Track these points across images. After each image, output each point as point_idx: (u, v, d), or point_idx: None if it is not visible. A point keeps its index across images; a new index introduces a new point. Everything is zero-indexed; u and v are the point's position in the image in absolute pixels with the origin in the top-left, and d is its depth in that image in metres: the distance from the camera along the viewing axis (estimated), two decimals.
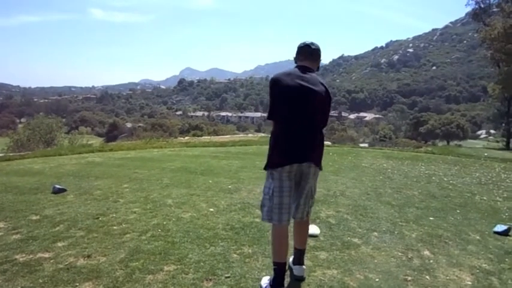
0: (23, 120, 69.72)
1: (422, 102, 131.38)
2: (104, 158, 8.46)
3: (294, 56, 2.69)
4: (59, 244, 3.17)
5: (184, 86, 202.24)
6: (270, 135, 2.63)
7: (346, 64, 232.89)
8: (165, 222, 3.76)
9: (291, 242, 2.74)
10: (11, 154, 11.40)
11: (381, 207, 4.68)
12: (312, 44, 2.64)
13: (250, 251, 3.12)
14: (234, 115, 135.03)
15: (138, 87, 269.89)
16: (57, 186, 5.01)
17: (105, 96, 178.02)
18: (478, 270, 2.97)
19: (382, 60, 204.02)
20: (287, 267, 2.64)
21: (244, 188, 5.38)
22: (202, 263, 2.84)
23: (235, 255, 3.01)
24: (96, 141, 33.19)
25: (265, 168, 2.58)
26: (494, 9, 28.75)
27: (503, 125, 33.31)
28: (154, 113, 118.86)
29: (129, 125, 72.69)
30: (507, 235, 3.85)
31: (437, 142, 45.81)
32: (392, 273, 2.84)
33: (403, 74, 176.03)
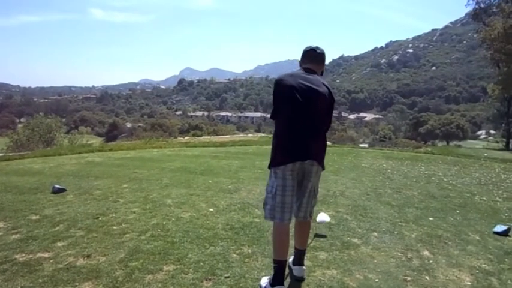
0: (22, 120, 69.68)
1: (422, 102, 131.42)
2: (103, 158, 8.46)
3: (299, 59, 2.74)
4: (59, 244, 3.17)
5: (184, 86, 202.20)
6: (271, 135, 2.65)
7: (346, 64, 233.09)
8: (164, 222, 3.76)
9: (291, 242, 2.74)
10: (11, 154, 11.39)
11: (380, 208, 4.68)
12: (317, 48, 2.69)
13: (249, 251, 3.12)
14: (234, 115, 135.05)
15: (138, 87, 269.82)
16: (57, 186, 5.01)
17: (105, 96, 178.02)
18: (477, 271, 2.97)
19: (382, 61, 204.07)
20: (287, 267, 2.64)
21: (244, 188, 5.39)
22: (201, 263, 2.84)
23: (234, 255, 3.01)
24: (96, 141, 33.19)
25: (269, 167, 2.61)
26: (494, 10, 28.74)
27: (503, 125, 33.36)
28: (154, 113, 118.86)
29: (128, 125, 72.70)
30: (507, 235, 3.85)
31: (437, 142, 45.83)
32: (391, 273, 2.84)
33: (403, 74, 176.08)
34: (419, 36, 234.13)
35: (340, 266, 2.90)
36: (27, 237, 3.30)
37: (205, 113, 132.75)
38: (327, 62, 2.85)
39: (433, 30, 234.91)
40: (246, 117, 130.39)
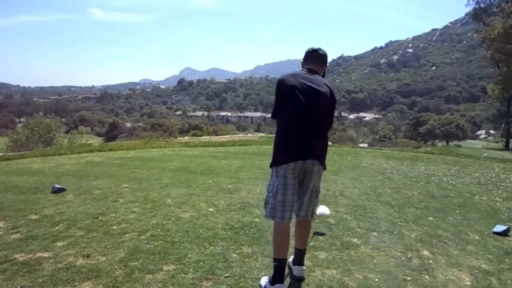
0: (22, 119, 69.68)
1: (421, 102, 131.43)
2: (103, 158, 8.46)
3: (301, 60, 2.78)
4: (59, 244, 3.17)
5: (184, 86, 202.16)
6: (271, 135, 2.66)
7: (345, 64, 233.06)
8: (164, 222, 3.76)
9: (291, 242, 2.74)
10: (11, 154, 11.39)
11: (380, 207, 4.69)
12: (320, 49, 2.73)
13: (249, 250, 3.12)
14: (234, 115, 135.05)
15: (138, 87, 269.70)
16: (57, 185, 5.01)
17: (105, 96, 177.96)
18: (477, 271, 2.97)
19: (382, 61, 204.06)
20: (287, 266, 2.64)
21: (243, 188, 5.39)
22: (201, 263, 2.84)
23: (234, 255, 3.01)
24: (96, 140, 33.20)
25: (270, 166, 2.62)
26: (494, 10, 28.75)
27: (503, 125, 33.38)
28: (154, 112, 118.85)
29: (128, 124, 72.69)
30: (506, 235, 3.85)
31: (436, 142, 45.85)
32: (391, 273, 2.84)
33: (403, 74, 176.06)
34: (419, 36, 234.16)
35: (340, 266, 2.90)
36: (27, 237, 3.30)
37: (205, 113, 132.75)
38: None
39: (432, 30, 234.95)
40: (246, 117, 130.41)
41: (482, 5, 29.64)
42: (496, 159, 11.94)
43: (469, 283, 2.76)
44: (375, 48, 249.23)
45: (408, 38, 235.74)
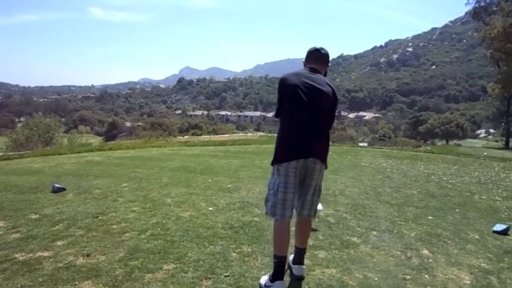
0: (22, 119, 69.65)
1: (421, 101, 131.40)
2: (103, 157, 8.46)
3: (303, 59, 2.80)
4: (59, 243, 3.17)
5: (183, 85, 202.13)
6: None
7: (345, 63, 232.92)
8: (164, 221, 3.76)
9: (292, 241, 2.75)
10: (10, 153, 11.40)
11: (380, 207, 4.69)
12: (322, 49, 2.75)
13: (249, 249, 3.12)
14: (234, 114, 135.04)
15: (138, 86, 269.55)
16: (57, 185, 5.01)
17: (105, 95, 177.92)
18: (477, 270, 2.97)
19: (382, 60, 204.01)
20: (286, 265, 2.65)
21: (243, 187, 5.39)
22: (201, 262, 2.84)
23: (234, 254, 3.01)
24: (96, 140, 33.22)
25: (272, 164, 2.63)
26: (494, 8, 28.73)
27: (503, 124, 33.36)
28: (154, 112, 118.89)
29: (128, 124, 72.71)
30: (506, 234, 3.86)
31: (436, 141, 45.86)
32: (391, 272, 2.85)
33: (403, 73, 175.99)
34: (419, 35, 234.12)
35: (340, 265, 2.91)
36: (27, 236, 3.30)
37: (205, 112, 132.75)
38: None
39: (432, 29, 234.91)
40: (246, 116, 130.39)
41: (482, 4, 29.62)
42: (495, 158, 11.94)
43: (468, 282, 2.76)
44: (375, 47, 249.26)
45: (408, 37, 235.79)
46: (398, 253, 3.22)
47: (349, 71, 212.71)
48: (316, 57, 2.74)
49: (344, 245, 3.32)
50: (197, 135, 31.42)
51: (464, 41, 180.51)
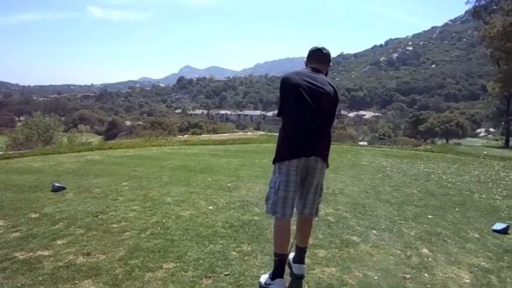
0: (22, 118, 69.66)
1: (421, 100, 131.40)
2: (103, 156, 8.46)
3: (305, 59, 2.81)
4: (59, 242, 3.17)
5: (183, 84, 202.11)
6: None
7: (345, 62, 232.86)
8: (164, 220, 3.76)
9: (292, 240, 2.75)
10: (11, 152, 11.40)
11: (379, 205, 4.69)
12: (323, 48, 2.76)
13: (249, 248, 3.12)
14: (233, 113, 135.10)
15: (137, 85, 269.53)
16: (57, 184, 5.01)
17: (104, 95, 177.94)
18: (476, 268, 2.98)
19: (382, 59, 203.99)
20: (287, 264, 2.65)
21: (243, 186, 5.39)
22: (201, 261, 2.84)
23: (234, 253, 3.02)
24: (95, 139, 33.17)
25: (273, 162, 2.63)
26: (494, 7, 28.71)
27: (503, 123, 33.32)
28: (154, 111, 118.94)
29: (128, 123, 72.74)
30: (506, 233, 3.86)
31: (436, 140, 45.85)
32: (391, 271, 2.85)
33: (403, 72, 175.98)
34: (418, 34, 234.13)
35: (340, 264, 2.91)
36: (27, 235, 3.30)
37: (205, 111, 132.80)
38: None
39: (432, 27, 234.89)
40: (246, 115, 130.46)
41: (482, 2, 29.59)
42: (495, 157, 11.94)
43: (468, 281, 2.76)
44: (375, 46, 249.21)
45: (408, 36, 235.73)
46: (398, 252, 3.22)
47: (349, 70, 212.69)
48: (318, 57, 2.74)
49: (344, 244, 3.32)
50: (197, 134, 31.45)
51: (464, 40, 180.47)
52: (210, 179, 5.81)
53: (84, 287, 2.46)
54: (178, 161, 7.71)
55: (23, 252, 2.96)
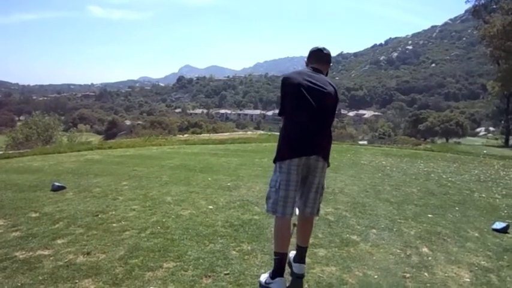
0: (21, 118, 69.63)
1: (421, 99, 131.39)
2: (103, 156, 8.46)
3: (305, 59, 2.83)
4: (59, 241, 3.17)
5: (183, 84, 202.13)
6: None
7: (345, 61, 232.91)
8: (164, 220, 3.76)
9: (292, 239, 2.75)
10: (10, 152, 11.40)
11: (379, 205, 4.69)
12: (324, 49, 2.78)
13: (249, 248, 3.12)
14: (233, 112, 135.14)
15: (137, 84, 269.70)
16: (57, 183, 5.00)
17: (104, 94, 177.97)
18: (476, 268, 2.98)
19: (381, 58, 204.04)
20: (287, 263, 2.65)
21: (243, 186, 5.39)
22: (201, 260, 2.85)
23: (234, 252, 3.02)
24: (95, 138, 33.20)
25: (274, 161, 2.63)
26: (494, 6, 28.69)
27: (503, 122, 33.32)
28: (153, 110, 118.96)
29: (128, 122, 72.77)
30: (506, 232, 3.86)
31: (436, 139, 45.88)
32: (391, 270, 2.85)
33: (402, 71, 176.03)
34: (418, 33, 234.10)
35: (339, 263, 2.91)
36: (27, 235, 3.30)
37: (205, 111, 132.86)
38: None
39: (432, 27, 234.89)
40: (245, 114, 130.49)
41: (482, 1, 29.57)
42: (495, 156, 11.95)
43: (468, 280, 2.77)
44: (375, 45, 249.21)
45: (408, 35, 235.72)
46: (398, 251, 3.22)
47: (349, 69, 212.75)
48: (318, 57, 2.76)
49: (344, 243, 3.32)
50: (197, 133, 31.46)
51: (464, 39, 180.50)
52: (210, 179, 5.81)
53: (84, 286, 2.46)
54: (178, 161, 7.71)
55: (23, 252, 2.96)
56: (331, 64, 2.86)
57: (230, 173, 6.40)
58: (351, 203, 4.67)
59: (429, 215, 4.33)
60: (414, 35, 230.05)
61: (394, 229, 3.78)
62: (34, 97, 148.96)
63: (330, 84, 2.63)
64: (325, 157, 2.62)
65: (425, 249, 3.29)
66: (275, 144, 2.66)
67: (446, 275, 2.82)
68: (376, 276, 2.73)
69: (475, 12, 30.16)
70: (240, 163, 7.52)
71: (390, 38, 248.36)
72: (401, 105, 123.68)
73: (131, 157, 8.30)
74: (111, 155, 8.73)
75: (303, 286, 2.58)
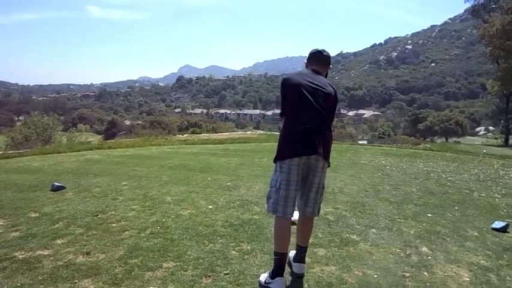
0: (21, 118, 69.60)
1: (421, 99, 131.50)
2: (102, 156, 8.46)
3: (305, 60, 2.86)
4: (58, 241, 3.17)
5: (182, 83, 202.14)
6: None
7: (344, 61, 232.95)
8: (164, 220, 3.76)
9: (293, 239, 2.75)
10: (10, 152, 11.39)
11: (379, 204, 4.69)
12: (324, 51, 2.81)
13: (249, 247, 3.12)
14: (233, 112, 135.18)
15: (137, 84, 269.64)
16: (56, 183, 5.00)
17: (104, 94, 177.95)
18: (476, 267, 2.98)
19: (381, 57, 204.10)
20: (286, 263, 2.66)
21: (243, 185, 5.39)
22: (201, 260, 2.85)
23: (234, 252, 3.02)
24: (95, 138, 33.18)
25: (274, 161, 2.64)
26: (493, 6, 28.70)
27: (502, 121, 33.31)
28: (153, 110, 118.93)
29: (127, 122, 72.73)
30: (505, 232, 3.87)
31: (435, 139, 45.87)
32: (390, 269, 2.85)
33: (402, 71, 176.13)
34: (418, 32, 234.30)
35: (339, 263, 2.91)
36: (26, 235, 3.30)
37: (204, 111, 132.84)
38: None
39: (432, 26, 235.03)
40: (245, 114, 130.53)
41: (481, 1, 29.57)
42: (495, 155, 11.94)
43: (467, 279, 2.77)
44: (374, 44, 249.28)
45: (407, 35, 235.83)
46: (398, 250, 3.22)
47: (348, 69, 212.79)
48: (318, 59, 2.78)
49: (343, 243, 3.32)
50: (196, 133, 31.44)
51: (464, 38, 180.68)
52: (209, 178, 5.81)
53: (84, 286, 2.46)
54: (177, 160, 7.71)
55: (23, 252, 2.95)
56: (331, 66, 2.88)
57: (230, 172, 6.40)
58: (351, 203, 4.67)
59: (429, 215, 4.33)
60: (414, 35, 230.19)
61: (394, 228, 3.79)
62: (33, 97, 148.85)
63: (330, 85, 2.65)
64: (326, 157, 2.62)
65: (424, 249, 3.30)
66: (275, 144, 2.66)
67: (445, 274, 2.83)
68: (375, 276, 2.73)
69: (474, 11, 30.14)
70: (239, 163, 7.52)
71: (390, 38, 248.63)
72: (400, 104, 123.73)
73: (131, 157, 8.30)
74: (111, 155, 8.73)
75: (303, 286, 2.59)
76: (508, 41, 25.26)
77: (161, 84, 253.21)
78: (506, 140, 28.96)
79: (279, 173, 2.57)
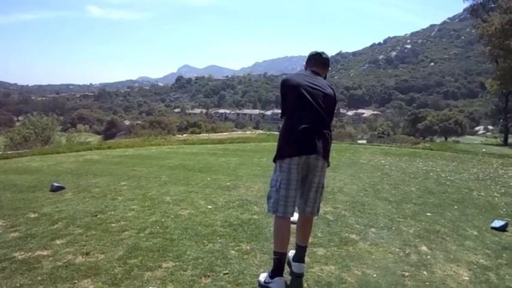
0: (20, 118, 69.52)
1: (420, 98, 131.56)
2: (102, 156, 8.45)
3: (304, 63, 2.90)
4: (58, 242, 3.17)
5: (182, 83, 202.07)
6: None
7: (344, 61, 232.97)
8: (163, 220, 3.76)
9: (292, 239, 2.75)
10: (9, 152, 11.38)
11: (378, 204, 4.70)
12: (323, 53, 2.85)
13: (248, 247, 3.12)
14: (232, 112, 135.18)
15: (136, 84, 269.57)
16: (56, 184, 5.00)
17: (103, 94, 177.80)
18: (475, 266, 2.98)
19: (380, 57, 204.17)
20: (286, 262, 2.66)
21: (242, 185, 5.39)
22: (200, 260, 2.85)
23: (233, 252, 3.02)
24: (94, 139, 33.16)
25: (274, 161, 2.64)
26: (492, 5, 28.72)
27: (501, 120, 33.41)
28: (152, 110, 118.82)
29: (127, 122, 72.66)
30: (504, 230, 3.87)
31: (435, 138, 45.87)
32: (389, 269, 2.85)
33: (401, 70, 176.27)
34: (417, 32, 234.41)
35: (339, 262, 2.91)
36: (26, 235, 3.30)
37: (204, 110, 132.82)
38: None
39: (431, 25, 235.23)
40: (244, 114, 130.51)
41: (480, 0, 29.59)
42: (494, 154, 11.95)
43: (467, 278, 2.77)
44: (373, 44, 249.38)
45: (406, 34, 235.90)
46: (397, 250, 3.23)
47: (347, 69, 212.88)
48: (317, 61, 2.81)
49: (343, 242, 3.32)
50: (196, 133, 31.44)
51: (463, 37, 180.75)
52: (209, 178, 5.81)
53: (83, 287, 2.46)
54: (177, 160, 7.71)
55: (22, 252, 2.95)
56: (330, 68, 2.90)
57: (229, 172, 6.40)
58: (350, 202, 4.67)
59: (428, 214, 4.34)
60: (413, 34, 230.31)
61: (393, 228, 3.79)
62: (33, 97, 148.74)
63: (329, 86, 2.68)
64: (325, 156, 2.62)
65: (424, 248, 3.30)
66: (274, 144, 2.66)
67: (445, 273, 2.83)
68: (375, 275, 2.73)
69: (473, 11, 30.16)
70: (239, 163, 7.52)
71: (389, 37, 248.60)
72: (400, 104, 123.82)
73: (130, 157, 8.30)
74: (110, 155, 8.72)
75: (302, 285, 2.59)
76: (507, 40, 25.27)
77: (160, 84, 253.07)
78: (506, 139, 29.00)
79: (279, 173, 2.57)
